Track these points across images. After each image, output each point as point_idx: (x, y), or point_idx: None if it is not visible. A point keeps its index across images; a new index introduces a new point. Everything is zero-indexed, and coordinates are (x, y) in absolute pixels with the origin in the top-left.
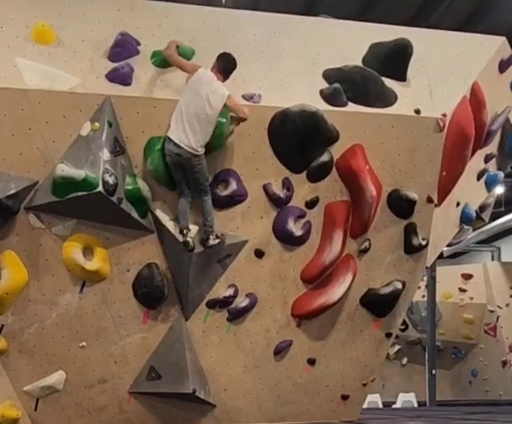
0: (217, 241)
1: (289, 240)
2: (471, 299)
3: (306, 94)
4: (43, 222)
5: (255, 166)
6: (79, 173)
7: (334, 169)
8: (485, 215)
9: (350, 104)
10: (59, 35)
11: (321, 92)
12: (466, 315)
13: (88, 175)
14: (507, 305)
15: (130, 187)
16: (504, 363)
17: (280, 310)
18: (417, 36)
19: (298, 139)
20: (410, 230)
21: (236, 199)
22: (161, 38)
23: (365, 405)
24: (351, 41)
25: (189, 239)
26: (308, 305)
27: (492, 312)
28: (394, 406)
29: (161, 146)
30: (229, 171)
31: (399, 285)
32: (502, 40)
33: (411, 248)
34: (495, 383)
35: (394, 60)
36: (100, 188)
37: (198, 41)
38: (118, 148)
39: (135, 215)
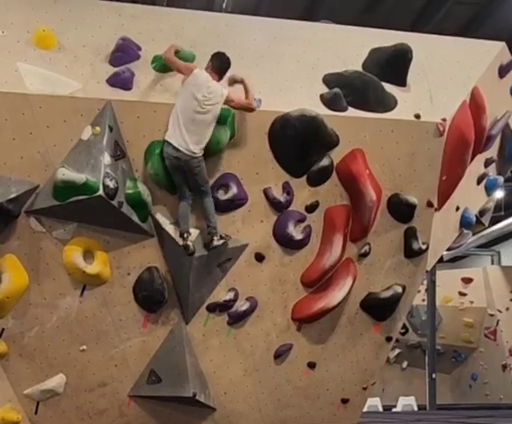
0: (222, 242)
1: (289, 244)
2: (471, 302)
3: (306, 99)
4: (44, 225)
5: (255, 170)
6: (79, 177)
7: (334, 173)
8: (485, 220)
9: (350, 109)
10: (60, 40)
11: (321, 97)
12: (466, 319)
13: (89, 179)
14: (507, 309)
15: (130, 191)
16: (504, 367)
17: (280, 314)
18: (416, 41)
19: (298, 143)
20: (410, 235)
21: (236, 203)
22: (162, 43)
23: (365, 409)
24: (351, 46)
25: (189, 243)
26: (308, 308)
27: (492, 316)
28: (394, 410)
29: (161, 150)
30: (230, 175)
31: (399, 289)
32: (502, 45)
33: (411, 252)
34: (495, 387)
35: (394, 65)
36: (100, 192)
37: (198, 46)
38: (119, 152)
39: (135, 218)
